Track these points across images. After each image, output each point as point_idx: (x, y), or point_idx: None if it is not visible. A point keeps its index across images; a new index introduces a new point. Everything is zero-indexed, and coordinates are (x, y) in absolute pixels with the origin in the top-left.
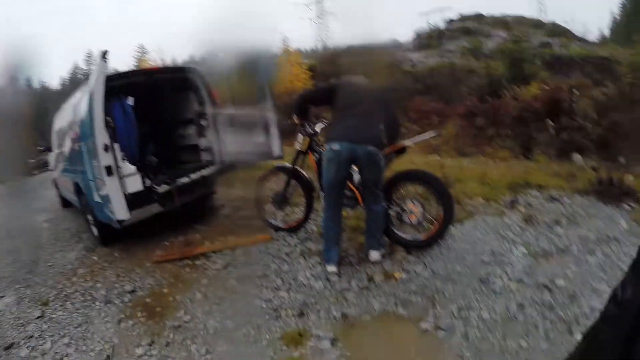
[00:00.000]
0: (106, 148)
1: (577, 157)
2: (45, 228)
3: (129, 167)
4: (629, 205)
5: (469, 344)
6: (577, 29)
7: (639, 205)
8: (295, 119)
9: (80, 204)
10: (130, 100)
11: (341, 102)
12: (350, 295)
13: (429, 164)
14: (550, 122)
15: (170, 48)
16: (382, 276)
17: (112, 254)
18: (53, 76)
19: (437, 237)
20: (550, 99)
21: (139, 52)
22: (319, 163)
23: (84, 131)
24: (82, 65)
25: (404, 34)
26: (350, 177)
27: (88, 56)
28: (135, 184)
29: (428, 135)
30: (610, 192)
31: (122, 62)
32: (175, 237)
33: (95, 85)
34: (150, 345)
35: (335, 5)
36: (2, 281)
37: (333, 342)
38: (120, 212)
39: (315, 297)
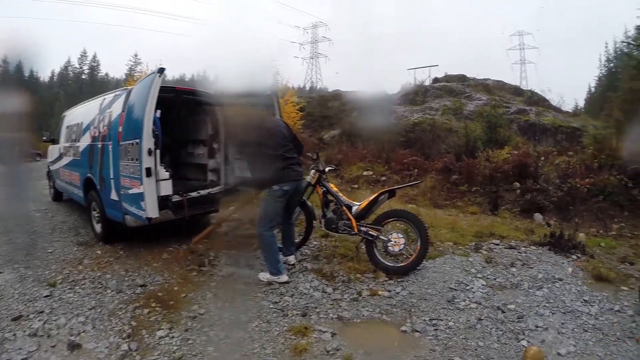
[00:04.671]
0: (150, 152)
1: (537, 215)
2: (38, 217)
3: (164, 172)
4: (576, 255)
5: (438, 342)
6: (553, 99)
7: (585, 256)
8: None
9: (86, 199)
10: (158, 113)
11: (280, 142)
12: (343, 304)
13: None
14: (517, 184)
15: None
16: (368, 292)
17: (116, 250)
18: (43, 68)
19: (414, 265)
20: (519, 163)
21: (132, 61)
22: (324, 195)
23: (114, 132)
24: (76, 62)
25: (391, 87)
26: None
27: (83, 55)
28: (167, 188)
29: (413, 183)
30: (561, 245)
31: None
32: (179, 245)
33: (151, 95)
34: (170, 329)
35: (329, 50)
36: None
37: (333, 334)
38: (152, 210)
39: (315, 303)
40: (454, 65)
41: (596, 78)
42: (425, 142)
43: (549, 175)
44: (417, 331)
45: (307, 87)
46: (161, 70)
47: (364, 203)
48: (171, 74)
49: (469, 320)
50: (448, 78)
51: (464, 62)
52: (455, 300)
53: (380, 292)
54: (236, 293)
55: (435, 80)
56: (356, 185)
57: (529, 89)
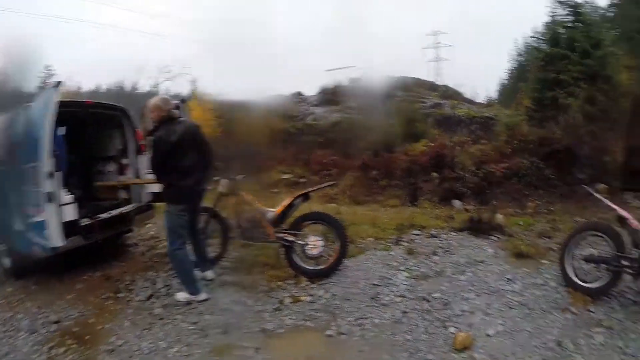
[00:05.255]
0: (50, 175)
1: (456, 202)
2: None
3: (66, 196)
4: (496, 237)
5: (366, 342)
6: (467, 93)
7: (504, 236)
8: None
9: None
10: (61, 130)
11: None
12: (266, 315)
13: (328, 211)
14: (435, 174)
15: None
16: (291, 299)
17: (28, 286)
18: None
19: (335, 266)
20: (435, 154)
21: (45, 72)
22: (238, 205)
23: (13, 155)
24: None
25: (310, 89)
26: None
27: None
28: (71, 212)
29: (327, 184)
30: (480, 228)
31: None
32: (94, 272)
33: (49, 112)
34: None
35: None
36: None
37: (256, 350)
38: (56, 239)
39: (236, 318)
40: (373, 65)
41: (507, 71)
42: (344, 141)
43: (465, 163)
44: (343, 333)
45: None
46: (58, 84)
47: (279, 209)
48: (88, 86)
49: (394, 315)
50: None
51: (383, 62)
52: (379, 296)
53: (302, 298)
54: (154, 318)
55: (353, 80)
56: (276, 189)
57: (443, 84)
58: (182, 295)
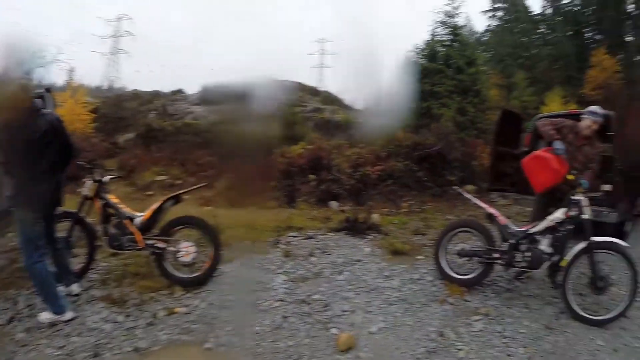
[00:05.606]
0: None
1: (333, 203)
2: None
3: None
4: (372, 236)
5: (247, 352)
6: (347, 99)
7: (380, 235)
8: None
9: None
10: None
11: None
12: (138, 332)
13: (203, 215)
14: (312, 176)
15: None
16: (165, 312)
17: None
18: None
19: (210, 273)
20: (313, 156)
21: None
22: (104, 208)
23: None
24: None
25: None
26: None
27: None
28: None
29: (199, 185)
30: (357, 228)
31: None
32: None
33: None
34: None
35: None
36: None
37: None
38: None
39: (106, 337)
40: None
41: (387, 81)
42: (223, 142)
43: (342, 166)
44: (223, 345)
45: (105, 85)
46: None
47: (148, 213)
48: None
49: (274, 321)
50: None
51: (268, 64)
52: (258, 302)
53: (177, 310)
54: (16, 345)
55: (236, 80)
56: (151, 192)
57: (325, 90)
58: (45, 316)
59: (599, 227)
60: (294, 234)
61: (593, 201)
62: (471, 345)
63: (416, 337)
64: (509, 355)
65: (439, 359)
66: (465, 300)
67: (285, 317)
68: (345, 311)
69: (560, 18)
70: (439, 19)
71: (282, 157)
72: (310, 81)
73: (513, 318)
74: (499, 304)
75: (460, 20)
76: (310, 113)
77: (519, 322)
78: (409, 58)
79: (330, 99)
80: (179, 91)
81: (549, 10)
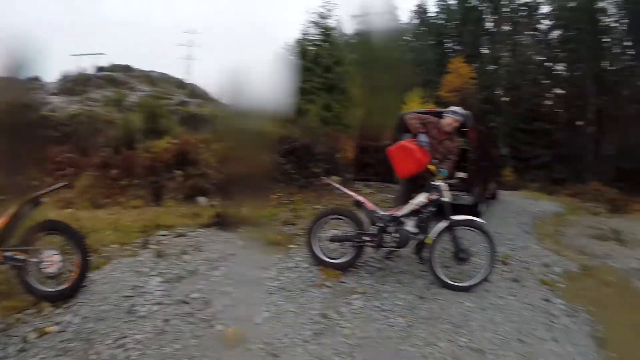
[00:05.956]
0: None
1: (201, 199)
2: None
3: None
4: (244, 229)
5: None
6: (214, 92)
7: (252, 228)
8: None
9: None
10: None
11: None
12: None
13: (64, 218)
14: (178, 171)
15: None
16: (36, 334)
17: None
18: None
19: (79, 283)
20: (179, 151)
21: None
22: None
23: None
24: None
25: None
26: None
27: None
28: None
29: (59, 185)
30: (228, 222)
31: None
32: None
33: None
34: None
35: None
36: None
37: None
38: None
39: None
40: (123, 55)
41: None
42: (82, 136)
43: (209, 160)
44: None
45: None
46: None
47: (3, 221)
48: None
49: (156, 326)
50: (113, 67)
51: (135, 53)
52: (135, 308)
53: (49, 329)
54: None
55: (100, 69)
56: (2, 197)
57: (192, 82)
58: None
59: (457, 209)
60: (164, 232)
61: (451, 186)
62: (354, 322)
63: (301, 322)
64: (390, 325)
65: (327, 339)
66: (342, 282)
67: (167, 320)
68: (227, 306)
69: (425, 29)
70: (312, 19)
71: (147, 152)
72: (176, 73)
73: (388, 293)
74: (374, 282)
75: (332, 22)
76: (175, 106)
77: (395, 296)
78: (280, 55)
79: (196, 93)
80: (36, 78)
81: (416, 21)
